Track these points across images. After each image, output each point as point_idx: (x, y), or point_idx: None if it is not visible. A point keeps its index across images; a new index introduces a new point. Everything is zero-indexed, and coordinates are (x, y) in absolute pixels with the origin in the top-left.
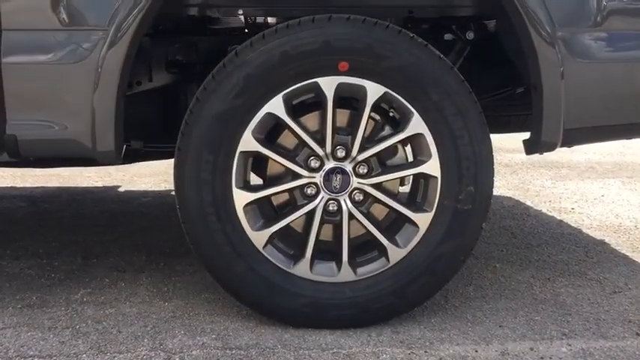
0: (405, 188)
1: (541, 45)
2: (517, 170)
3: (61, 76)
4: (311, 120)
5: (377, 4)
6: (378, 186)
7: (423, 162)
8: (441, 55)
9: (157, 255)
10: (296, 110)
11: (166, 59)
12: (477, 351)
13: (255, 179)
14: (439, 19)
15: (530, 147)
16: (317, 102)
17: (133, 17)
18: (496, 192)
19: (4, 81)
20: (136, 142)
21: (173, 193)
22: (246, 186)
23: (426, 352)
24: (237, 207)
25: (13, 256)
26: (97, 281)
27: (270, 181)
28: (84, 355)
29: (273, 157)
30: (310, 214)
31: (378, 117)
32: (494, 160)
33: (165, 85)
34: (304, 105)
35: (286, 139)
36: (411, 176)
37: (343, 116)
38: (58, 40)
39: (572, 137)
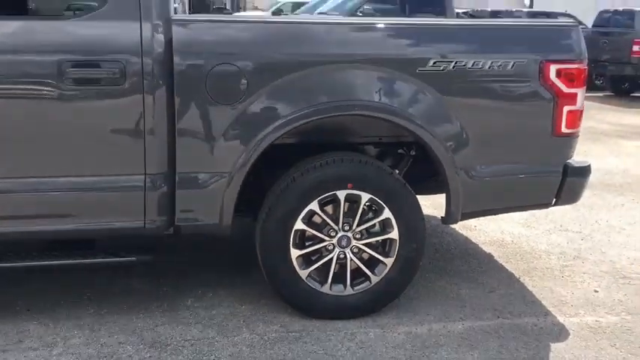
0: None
1: (449, 172)
2: None
3: (206, 195)
4: (330, 209)
5: (366, 134)
6: (365, 244)
7: (389, 232)
8: (400, 179)
9: (223, 271)
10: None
11: None
12: (416, 329)
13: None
14: (396, 142)
15: (444, 220)
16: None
17: (248, 161)
18: (426, 211)
19: (176, 202)
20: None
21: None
22: (297, 246)
23: (390, 330)
24: (292, 258)
25: (118, 272)
26: (195, 292)
27: (308, 241)
28: (216, 338)
29: (311, 231)
30: (330, 260)
31: (366, 207)
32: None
33: None
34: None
35: (316, 219)
36: (382, 239)
37: (347, 206)
38: (205, 176)
39: (468, 216)
